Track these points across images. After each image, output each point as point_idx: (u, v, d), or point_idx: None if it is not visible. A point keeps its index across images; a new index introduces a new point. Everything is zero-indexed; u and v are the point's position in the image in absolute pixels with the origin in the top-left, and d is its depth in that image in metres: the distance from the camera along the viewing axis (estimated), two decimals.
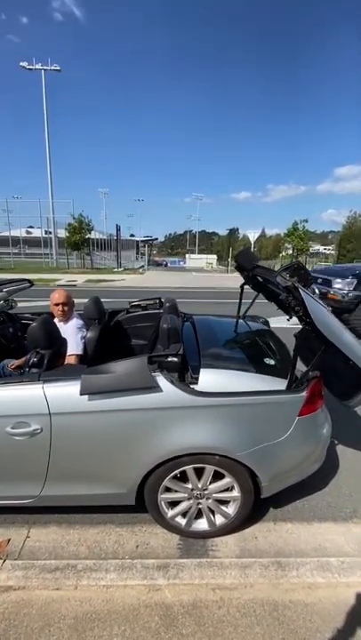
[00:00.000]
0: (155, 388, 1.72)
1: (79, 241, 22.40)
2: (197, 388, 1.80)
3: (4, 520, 2.07)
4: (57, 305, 2.63)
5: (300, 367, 2.13)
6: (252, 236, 23.15)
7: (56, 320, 2.72)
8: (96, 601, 1.56)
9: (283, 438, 1.82)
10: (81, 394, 1.69)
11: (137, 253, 36.84)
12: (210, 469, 1.82)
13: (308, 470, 2.02)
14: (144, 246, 36.12)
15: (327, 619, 1.51)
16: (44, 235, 27.23)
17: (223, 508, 1.93)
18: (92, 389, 1.71)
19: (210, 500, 1.91)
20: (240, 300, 2.97)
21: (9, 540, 1.93)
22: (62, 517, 2.08)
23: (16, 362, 2.53)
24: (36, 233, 30.65)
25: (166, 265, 46.03)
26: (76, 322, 2.66)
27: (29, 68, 26.44)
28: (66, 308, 2.64)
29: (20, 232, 33.42)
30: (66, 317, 2.66)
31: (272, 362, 2.13)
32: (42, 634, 1.42)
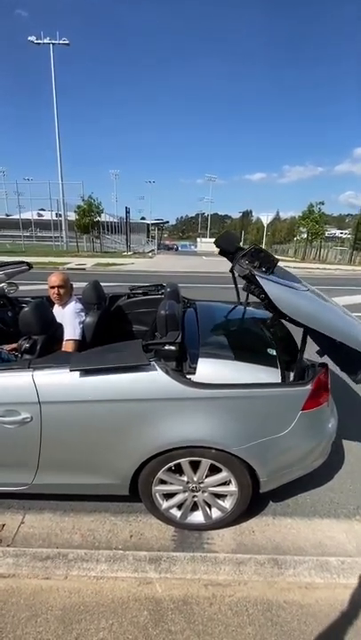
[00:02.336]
0: (147, 367, 1.64)
1: (89, 224, 22.20)
2: (195, 378, 1.70)
3: None
4: (52, 287, 2.55)
5: (315, 358, 2.00)
6: (266, 219, 22.51)
7: (56, 305, 2.65)
8: (85, 592, 1.54)
9: (284, 433, 1.72)
10: (70, 370, 1.63)
11: (147, 237, 36.45)
12: (206, 463, 1.74)
13: (311, 466, 1.92)
14: (155, 229, 35.67)
15: (323, 622, 1.44)
16: (54, 218, 27.10)
17: (220, 501, 1.86)
18: (82, 365, 1.65)
19: (206, 494, 1.84)
20: (235, 285, 2.82)
21: (3, 526, 1.92)
22: (57, 504, 2.06)
23: (11, 345, 2.48)
24: (47, 216, 30.56)
25: (177, 249, 45.47)
26: (74, 306, 2.57)
27: (37, 43, 25.60)
28: (62, 291, 2.55)
29: (31, 215, 33.39)
30: (62, 301, 2.57)
31: (276, 352, 2.01)
32: (28, 624, 1.40)
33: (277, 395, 1.71)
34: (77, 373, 1.66)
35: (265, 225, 23.33)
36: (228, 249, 2.51)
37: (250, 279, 1.62)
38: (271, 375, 1.76)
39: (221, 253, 2.66)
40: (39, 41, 25.54)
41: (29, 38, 25.55)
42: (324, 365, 1.87)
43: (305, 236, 26.14)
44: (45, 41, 25.40)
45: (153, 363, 1.68)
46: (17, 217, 28.59)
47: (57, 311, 2.53)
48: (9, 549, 1.73)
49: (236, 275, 1.68)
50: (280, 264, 1.76)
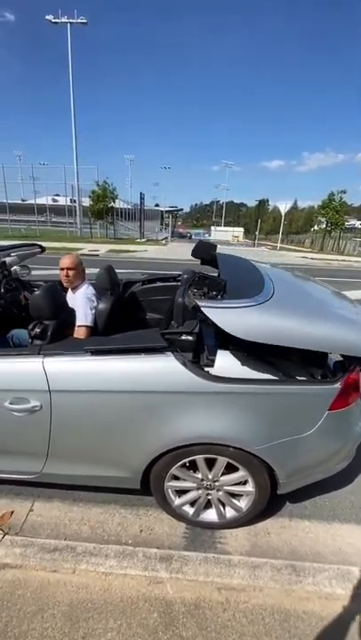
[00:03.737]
0: (163, 357, 1.55)
1: (103, 209, 22.02)
2: (213, 371, 1.58)
3: (9, 491, 2.03)
4: (62, 269, 2.44)
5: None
6: (283, 207, 21.82)
7: (69, 290, 2.55)
8: (93, 589, 1.48)
9: (308, 433, 1.59)
10: (85, 350, 1.59)
11: (161, 224, 36.06)
12: (222, 461, 1.64)
13: (334, 469, 1.80)
14: (169, 217, 35.24)
15: (347, 636, 1.35)
16: (69, 203, 27.03)
17: (235, 501, 1.77)
18: (98, 346, 1.61)
19: (220, 492, 1.75)
20: None
21: (12, 513, 1.89)
22: (67, 493, 2.02)
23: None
24: (62, 201, 30.50)
25: (190, 237, 44.91)
26: (85, 291, 2.46)
27: (55, 22, 25.02)
28: (71, 273, 2.44)
29: (46, 200, 33.40)
30: (72, 284, 2.47)
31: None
32: (34, 619, 1.35)
33: (302, 392, 1.58)
34: (89, 362, 1.58)
35: (283, 214, 22.64)
36: (206, 257, 2.55)
37: (199, 311, 1.52)
38: (302, 372, 1.63)
39: (203, 263, 2.67)
40: (57, 20, 24.95)
41: (47, 17, 24.98)
42: (356, 363, 1.72)
43: (324, 226, 25.29)
44: (63, 20, 24.80)
45: (169, 353, 1.57)
46: (32, 202, 28.66)
47: (69, 296, 2.44)
48: (17, 539, 1.69)
49: (189, 306, 1.58)
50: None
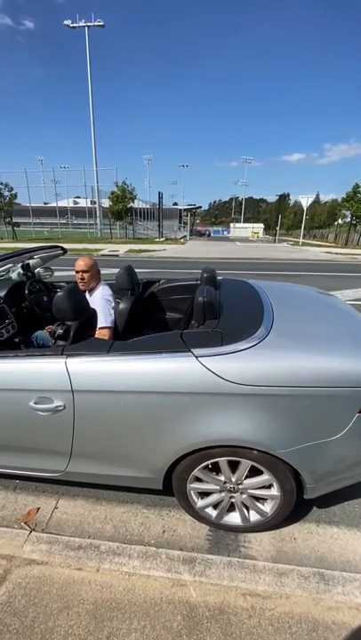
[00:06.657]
0: (185, 358, 1.52)
1: (122, 210, 22.26)
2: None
3: (35, 488, 2.08)
4: (77, 272, 2.47)
5: None
6: (306, 201, 21.21)
7: (87, 294, 2.58)
8: (117, 588, 1.48)
9: (337, 437, 1.52)
10: (108, 352, 1.60)
11: (180, 222, 36.07)
12: (246, 464, 1.60)
13: None
14: (187, 215, 35.19)
15: None
16: (89, 205, 27.59)
17: (259, 505, 1.73)
18: (121, 349, 1.62)
19: (244, 496, 1.71)
20: None
21: (38, 509, 1.93)
22: (90, 492, 2.05)
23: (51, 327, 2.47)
24: (83, 203, 31.20)
25: (209, 235, 44.59)
26: (102, 292, 2.48)
27: (73, 27, 25.53)
28: (86, 276, 2.46)
29: (67, 202, 34.24)
30: (88, 286, 2.49)
31: None
32: (60, 616, 1.37)
33: (330, 394, 1.51)
34: (111, 362, 1.59)
35: (305, 208, 22.01)
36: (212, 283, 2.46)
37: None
38: None
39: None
40: (74, 24, 25.46)
41: (65, 22, 25.54)
42: None
43: (349, 219, 24.38)
44: (80, 24, 25.26)
45: (190, 354, 1.55)
46: (54, 205, 29.49)
47: (87, 298, 2.47)
48: (43, 535, 1.72)
49: None
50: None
